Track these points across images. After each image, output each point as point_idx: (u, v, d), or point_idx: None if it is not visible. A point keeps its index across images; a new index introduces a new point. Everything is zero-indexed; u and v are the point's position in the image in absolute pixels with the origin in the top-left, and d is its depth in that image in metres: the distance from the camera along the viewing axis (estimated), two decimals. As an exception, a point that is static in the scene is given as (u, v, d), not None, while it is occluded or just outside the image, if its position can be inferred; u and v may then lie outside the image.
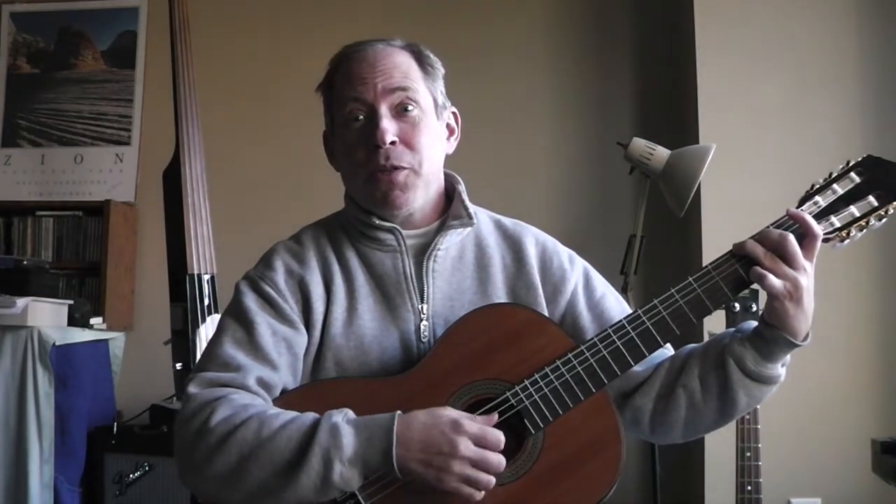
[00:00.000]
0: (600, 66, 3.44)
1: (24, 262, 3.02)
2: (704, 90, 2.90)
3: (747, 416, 2.09)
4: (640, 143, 2.60)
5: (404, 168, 1.22)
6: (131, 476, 2.80)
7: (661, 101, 3.35)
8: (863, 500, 2.65)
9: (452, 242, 1.28)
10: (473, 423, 1.08)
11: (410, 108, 1.23)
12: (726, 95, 2.88)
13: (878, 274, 2.77)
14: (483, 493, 1.07)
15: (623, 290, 2.58)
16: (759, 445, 2.07)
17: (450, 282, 1.26)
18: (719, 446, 2.60)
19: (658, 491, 2.58)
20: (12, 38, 3.81)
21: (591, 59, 3.45)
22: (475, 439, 1.06)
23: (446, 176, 1.33)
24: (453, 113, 1.34)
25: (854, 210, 1.17)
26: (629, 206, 3.25)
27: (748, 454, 2.06)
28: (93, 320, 3.11)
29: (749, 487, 2.05)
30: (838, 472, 2.68)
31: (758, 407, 2.10)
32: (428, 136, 1.25)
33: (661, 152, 2.56)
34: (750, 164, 2.82)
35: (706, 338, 1.35)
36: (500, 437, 1.08)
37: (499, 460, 1.07)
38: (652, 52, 3.40)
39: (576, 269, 1.32)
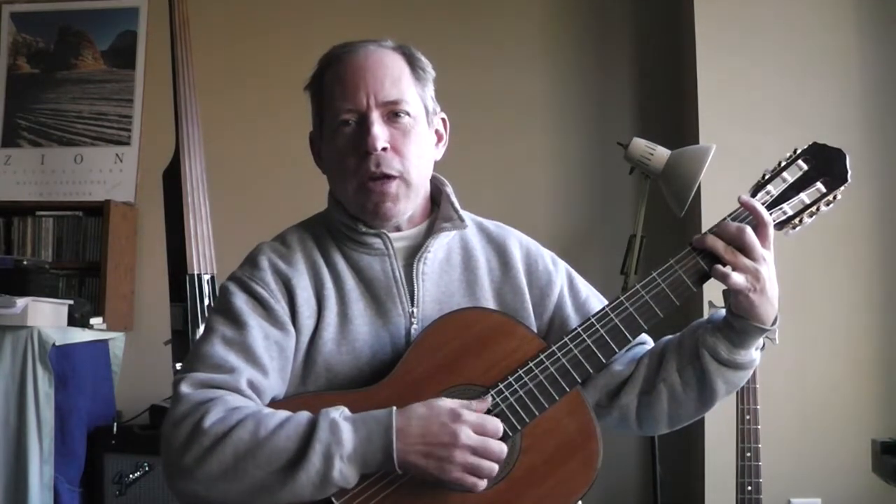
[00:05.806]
0: (600, 66, 3.44)
1: (24, 262, 3.02)
2: (704, 90, 2.90)
3: (747, 417, 2.09)
4: (640, 143, 2.60)
5: (395, 177, 1.22)
6: (131, 476, 2.80)
7: (661, 101, 3.35)
8: (863, 500, 2.64)
9: (440, 245, 1.29)
10: (471, 412, 1.08)
11: (402, 115, 1.23)
12: (726, 95, 2.88)
13: (879, 274, 2.76)
14: (485, 481, 1.07)
15: (623, 291, 2.58)
16: (760, 446, 2.07)
17: (438, 284, 1.26)
18: (720, 447, 2.60)
19: (658, 491, 2.58)
20: (12, 38, 3.81)
21: (591, 58, 3.45)
22: (475, 427, 1.07)
23: (431, 178, 1.32)
24: (442, 119, 1.34)
25: (804, 197, 1.21)
26: (629, 206, 3.25)
27: (748, 454, 2.06)
28: (93, 320, 3.11)
29: (749, 488, 2.05)
30: (838, 472, 2.68)
31: (758, 407, 2.11)
32: (418, 144, 1.25)
33: (661, 152, 2.56)
34: (750, 164, 2.80)
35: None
36: (498, 424, 1.09)
37: (500, 447, 1.07)
38: (652, 53, 3.40)
39: (560, 272, 1.34)
